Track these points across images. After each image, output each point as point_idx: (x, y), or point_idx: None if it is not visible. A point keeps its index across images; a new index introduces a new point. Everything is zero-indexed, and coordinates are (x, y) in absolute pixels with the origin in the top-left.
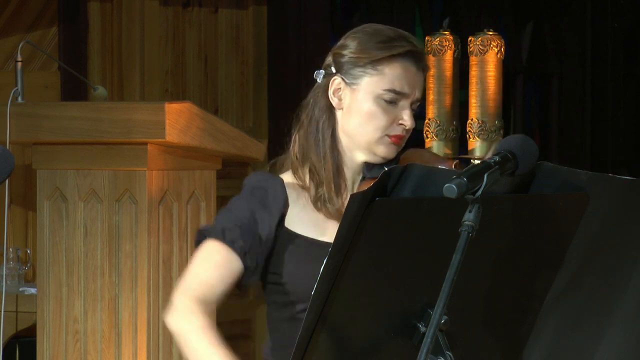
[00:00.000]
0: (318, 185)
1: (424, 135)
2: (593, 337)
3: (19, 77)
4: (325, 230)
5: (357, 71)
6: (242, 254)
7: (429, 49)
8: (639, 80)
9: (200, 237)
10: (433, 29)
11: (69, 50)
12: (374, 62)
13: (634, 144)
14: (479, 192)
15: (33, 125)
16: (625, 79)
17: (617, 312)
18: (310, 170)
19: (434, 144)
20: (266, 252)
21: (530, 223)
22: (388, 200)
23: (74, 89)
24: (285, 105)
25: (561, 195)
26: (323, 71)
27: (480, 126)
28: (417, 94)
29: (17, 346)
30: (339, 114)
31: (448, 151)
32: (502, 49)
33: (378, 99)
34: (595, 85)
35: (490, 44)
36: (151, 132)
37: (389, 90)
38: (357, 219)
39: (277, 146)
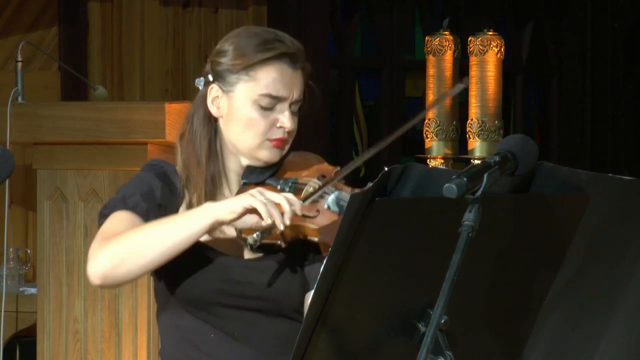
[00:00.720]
0: (192, 192)
1: (424, 135)
2: (593, 337)
3: (19, 77)
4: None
5: (232, 78)
6: (146, 214)
7: (428, 49)
8: (639, 80)
9: (102, 218)
10: (433, 29)
11: (69, 50)
12: (247, 68)
13: (634, 144)
14: (479, 192)
15: (33, 125)
16: (625, 79)
17: (617, 311)
18: (187, 179)
19: (434, 144)
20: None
21: (530, 223)
22: (388, 200)
23: (74, 89)
24: None
25: (561, 195)
26: (203, 79)
27: (480, 126)
28: (296, 95)
29: (17, 346)
30: (220, 121)
31: (448, 151)
32: (502, 49)
33: (255, 104)
34: (595, 85)
35: (490, 44)
36: (151, 132)
37: (265, 95)
38: (357, 219)
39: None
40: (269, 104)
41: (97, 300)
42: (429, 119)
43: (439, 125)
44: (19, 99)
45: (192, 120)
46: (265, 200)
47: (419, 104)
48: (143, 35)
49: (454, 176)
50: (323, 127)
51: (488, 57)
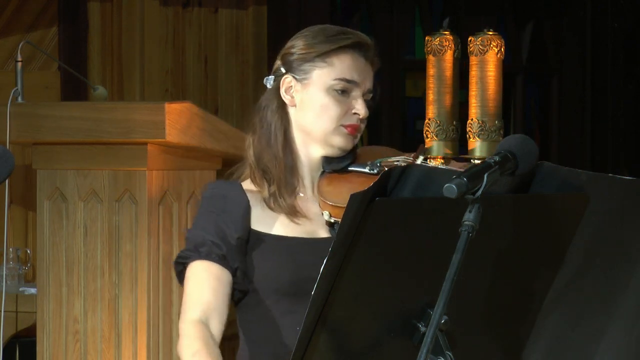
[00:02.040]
0: (270, 183)
1: (424, 135)
2: (593, 337)
3: (19, 77)
4: (290, 226)
5: (306, 66)
6: (223, 260)
7: (428, 49)
8: (639, 80)
9: (179, 267)
10: (433, 29)
11: (69, 50)
12: (323, 55)
13: (634, 144)
14: (479, 192)
15: (33, 125)
16: (625, 79)
17: (617, 312)
18: (264, 171)
19: (434, 144)
20: (243, 253)
21: (530, 223)
22: (388, 200)
23: (74, 89)
24: None
25: (561, 195)
26: (272, 76)
27: (480, 126)
28: (368, 84)
29: (17, 346)
30: (292, 111)
31: (448, 151)
32: (502, 49)
33: (330, 89)
34: (595, 85)
35: (490, 44)
36: (151, 132)
37: (340, 79)
38: (357, 219)
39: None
40: (343, 89)
41: (97, 300)
42: (429, 119)
43: (439, 125)
44: (19, 99)
45: (265, 114)
46: None
47: (419, 104)
48: (143, 35)
49: (454, 176)
50: None
51: (488, 57)
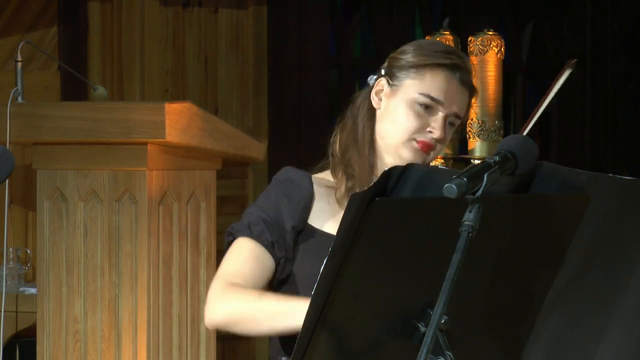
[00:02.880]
0: (350, 178)
1: None
2: (593, 337)
3: (19, 77)
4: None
5: (401, 74)
6: (270, 246)
7: None
8: (639, 80)
9: (229, 237)
10: (433, 29)
11: (69, 50)
12: (418, 67)
13: (634, 144)
14: (479, 192)
15: (33, 125)
16: (625, 79)
17: (617, 312)
18: (346, 165)
19: None
20: (293, 243)
21: (530, 223)
22: (388, 200)
23: (74, 89)
24: (285, 105)
25: (561, 195)
26: (375, 75)
27: (480, 126)
28: (455, 108)
29: (17, 346)
30: (377, 114)
31: (448, 151)
32: (502, 49)
33: (413, 102)
34: (595, 85)
35: (490, 44)
36: (151, 132)
37: (424, 95)
38: (357, 219)
39: (277, 146)
40: (426, 103)
41: (97, 300)
42: None
43: None
44: (19, 99)
45: (358, 111)
46: None
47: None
48: (143, 35)
49: (454, 176)
50: (323, 127)
51: (488, 57)
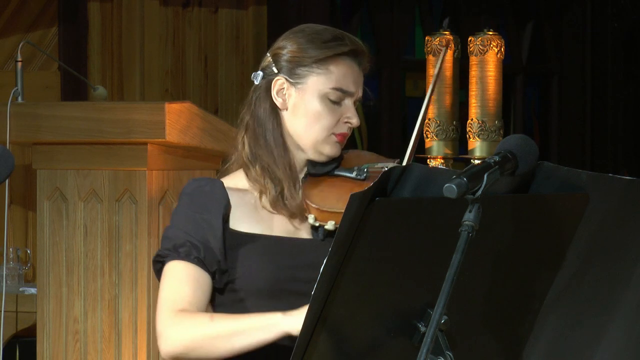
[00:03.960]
0: (276, 183)
1: (424, 135)
2: (593, 337)
3: (19, 77)
4: (272, 226)
5: (302, 70)
6: (201, 263)
7: (428, 49)
8: (639, 80)
9: (157, 266)
10: (433, 29)
11: (69, 50)
12: (320, 61)
13: (634, 144)
14: (479, 192)
15: (33, 125)
16: (625, 79)
17: (617, 312)
18: (264, 169)
19: (434, 144)
20: (220, 255)
21: (530, 223)
22: (388, 200)
23: (74, 89)
24: None
25: (561, 195)
26: (261, 72)
27: (480, 126)
28: (360, 93)
29: (17, 346)
30: (283, 114)
31: (448, 151)
32: (502, 49)
33: (324, 98)
34: (595, 85)
35: (490, 44)
36: (151, 132)
37: (336, 89)
38: (357, 219)
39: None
40: (338, 99)
41: (97, 300)
42: (429, 119)
43: (439, 125)
44: (19, 98)
45: (258, 113)
46: None
47: (419, 104)
48: (143, 35)
49: (454, 176)
50: None
51: (488, 57)
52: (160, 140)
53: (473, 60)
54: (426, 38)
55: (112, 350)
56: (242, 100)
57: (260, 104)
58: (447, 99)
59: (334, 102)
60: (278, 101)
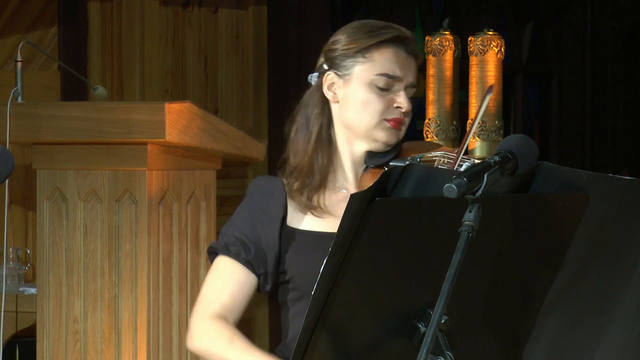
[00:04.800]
0: (303, 178)
1: (424, 135)
2: (593, 337)
3: (19, 77)
4: (323, 222)
5: (348, 62)
6: (249, 264)
7: (429, 49)
8: (639, 80)
9: (211, 255)
10: (433, 29)
11: (69, 50)
12: (363, 50)
13: (634, 144)
14: (479, 192)
15: (33, 125)
16: (625, 79)
17: (618, 312)
18: (298, 166)
19: None
20: (273, 255)
21: (530, 223)
22: (388, 200)
23: (74, 89)
24: (285, 105)
25: (561, 195)
26: (315, 73)
27: (480, 126)
28: (410, 78)
29: (17, 346)
30: (335, 107)
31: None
32: (502, 49)
33: (371, 85)
34: (595, 85)
35: (490, 44)
36: (151, 132)
37: (381, 75)
38: (358, 219)
39: (277, 146)
40: (386, 85)
41: (97, 300)
42: (429, 119)
43: (439, 125)
44: (19, 98)
45: (306, 110)
46: None
47: (419, 104)
48: (143, 35)
49: (454, 176)
50: None
51: (488, 57)
52: (160, 140)
53: (473, 60)
54: (426, 38)
55: (112, 350)
56: (242, 100)
57: (310, 101)
58: (447, 99)
59: (382, 88)
60: (329, 95)
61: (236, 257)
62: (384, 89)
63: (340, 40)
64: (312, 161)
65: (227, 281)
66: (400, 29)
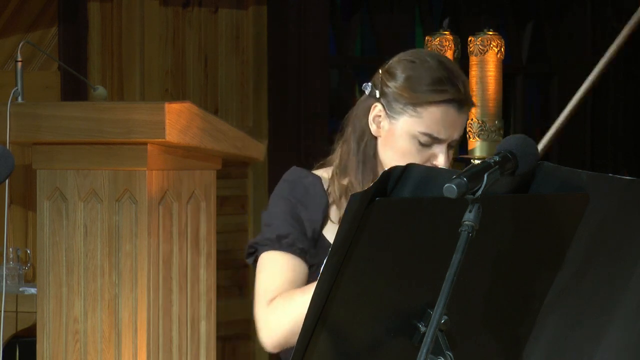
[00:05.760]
0: (346, 176)
1: None
2: (593, 337)
3: (19, 77)
4: None
5: (398, 106)
6: (303, 254)
7: (428, 49)
8: (639, 80)
9: (252, 251)
10: (433, 29)
11: (69, 50)
12: (415, 104)
13: (634, 144)
14: (479, 192)
15: (33, 125)
16: (625, 79)
17: (617, 312)
18: (347, 186)
19: None
20: (313, 248)
21: (530, 223)
22: (388, 200)
23: (74, 89)
24: (285, 105)
25: (561, 195)
26: (370, 86)
27: (480, 126)
28: (456, 136)
29: (17, 346)
30: (378, 139)
31: None
32: (502, 49)
33: (414, 138)
34: (595, 85)
35: (490, 44)
36: (151, 132)
37: (424, 134)
38: (358, 219)
39: (277, 146)
40: (427, 142)
41: (97, 300)
42: None
43: None
44: (19, 98)
45: (356, 129)
46: None
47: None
48: (143, 35)
49: (454, 176)
50: (323, 127)
51: (488, 57)
52: (160, 140)
53: (473, 60)
54: (426, 38)
55: (112, 350)
56: (242, 100)
57: (361, 120)
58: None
59: (423, 145)
60: (372, 127)
61: (289, 248)
62: (425, 145)
63: (399, 78)
64: (363, 185)
65: (283, 272)
66: (460, 86)
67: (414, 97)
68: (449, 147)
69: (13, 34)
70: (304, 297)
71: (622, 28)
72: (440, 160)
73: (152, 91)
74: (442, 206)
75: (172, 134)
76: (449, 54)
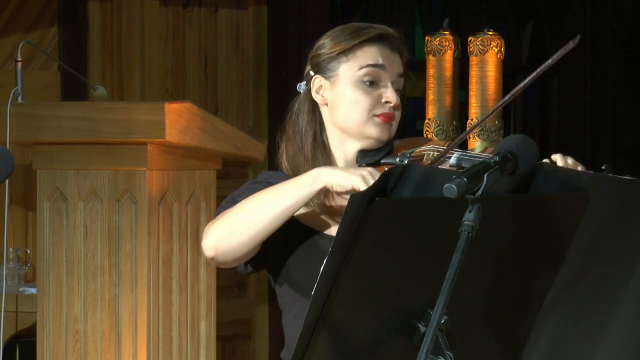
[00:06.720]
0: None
1: (424, 135)
2: (593, 337)
3: (19, 77)
4: (324, 224)
5: (333, 64)
6: None
7: (428, 49)
8: (639, 80)
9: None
10: (433, 29)
11: (69, 50)
12: (346, 51)
13: (634, 144)
14: (479, 192)
15: (33, 125)
16: (625, 79)
17: (617, 312)
18: (296, 174)
19: None
20: (276, 237)
21: (530, 223)
22: (388, 200)
23: (74, 89)
24: (285, 105)
25: (561, 195)
26: (303, 82)
27: (481, 126)
28: (397, 69)
29: (17, 346)
30: (324, 110)
31: None
32: (502, 49)
33: (357, 82)
34: (595, 85)
35: (490, 44)
36: (151, 132)
37: (365, 67)
38: (357, 219)
39: (278, 146)
40: (371, 78)
41: (97, 300)
42: (429, 119)
43: (439, 125)
44: (19, 98)
45: (297, 118)
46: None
47: (419, 104)
48: (143, 35)
49: (454, 176)
50: None
51: (488, 57)
52: (160, 140)
53: (473, 60)
54: (426, 38)
55: (112, 350)
56: (242, 100)
57: (300, 108)
58: (447, 99)
59: (368, 84)
60: (318, 98)
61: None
62: (371, 84)
63: (325, 44)
64: (314, 167)
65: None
66: (383, 27)
67: (343, 45)
68: (396, 91)
69: (13, 34)
70: (243, 203)
71: (622, 28)
72: (389, 94)
73: (152, 91)
74: (442, 206)
75: (172, 134)
76: (449, 54)
